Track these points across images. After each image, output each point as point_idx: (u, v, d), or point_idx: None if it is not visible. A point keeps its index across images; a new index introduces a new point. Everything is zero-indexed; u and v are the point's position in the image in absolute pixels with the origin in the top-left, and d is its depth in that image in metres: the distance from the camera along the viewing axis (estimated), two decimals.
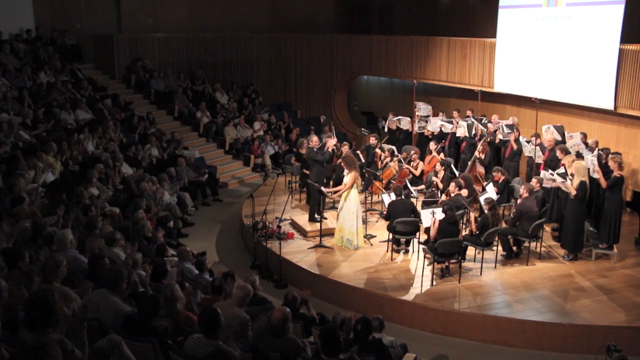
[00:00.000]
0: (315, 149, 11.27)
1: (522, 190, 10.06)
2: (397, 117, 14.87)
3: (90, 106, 14.41)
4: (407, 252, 10.19)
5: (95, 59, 17.28)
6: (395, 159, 12.71)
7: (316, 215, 11.13)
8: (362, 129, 17.56)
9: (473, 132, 12.94)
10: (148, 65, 17.27)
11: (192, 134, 16.52)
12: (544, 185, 10.30)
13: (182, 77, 17.64)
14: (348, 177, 10.22)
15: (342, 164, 10.45)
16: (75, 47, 16.76)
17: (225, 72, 18.73)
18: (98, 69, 17.07)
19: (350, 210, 10.23)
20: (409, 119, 14.69)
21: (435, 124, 14.01)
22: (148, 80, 17.00)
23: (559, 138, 11.93)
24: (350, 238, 10.30)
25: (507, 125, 12.82)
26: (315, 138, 11.49)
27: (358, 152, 13.79)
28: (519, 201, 10.19)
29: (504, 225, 10.27)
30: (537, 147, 11.56)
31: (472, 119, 13.40)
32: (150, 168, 13.25)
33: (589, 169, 9.96)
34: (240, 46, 18.77)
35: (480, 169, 12.03)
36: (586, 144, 11.64)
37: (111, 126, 13.72)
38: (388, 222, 10.07)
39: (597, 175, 9.98)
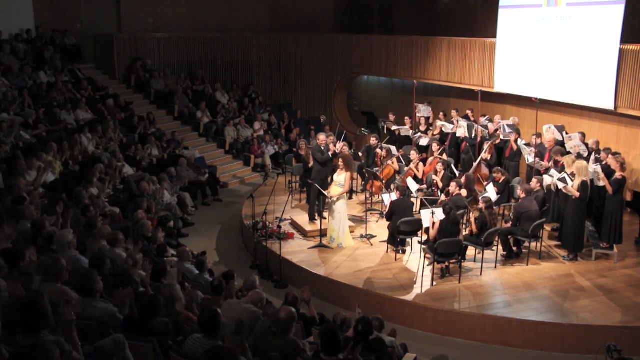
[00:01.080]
0: (322, 147, 11.25)
1: (519, 192, 10.07)
2: (395, 127, 14.76)
3: (90, 106, 14.41)
4: (404, 252, 10.20)
5: (96, 59, 17.29)
6: (393, 157, 12.71)
7: (316, 215, 11.15)
8: (362, 129, 17.55)
9: (473, 133, 12.92)
10: (148, 65, 17.27)
11: (193, 134, 16.52)
12: (545, 186, 10.30)
13: (182, 77, 17.63)
14: (342, 176, 10.24)
15: (341, 162, 10.41)
16: (76, 47, 16.76)
17: (225, 72, 18.73)
18: (98, 69, 17.08)
19: (338, 209, 10.27)
20: (408, 127, 14.65)
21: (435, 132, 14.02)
22: (148, 80, 17.00)
23: (560, 138, 11.92)
24: (334, 236, 10.35)
25: (508, 125, 12.81)
26: (322, 137, 11.46)
27: (359, 153, 13.80)
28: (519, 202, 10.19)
29: (503, 225, 10.27)
30: (537, 159, 11.49)
31: (472, 121, 13.40)
32: (151, 168, 13.25)
33: (592, 180, 9.92)
34: (241, 46, 18.77)
35: (485, 171, 12.00)
36: (586, 145, 11.64)
37: (111, 126, 13.72)
38: (389, 222, 10.07)
39: (603, 182, 9.95)
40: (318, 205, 11.29)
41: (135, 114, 15.31)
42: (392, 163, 12.61)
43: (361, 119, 20.03)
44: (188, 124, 16.68)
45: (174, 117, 16.70)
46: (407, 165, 12.87)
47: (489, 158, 12.26)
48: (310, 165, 11.64)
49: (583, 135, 11.86)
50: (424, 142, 13.84)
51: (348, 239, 10.49)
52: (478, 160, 12.07)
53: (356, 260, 9.97)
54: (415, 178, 12.40)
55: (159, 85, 16.96)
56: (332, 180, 11.17)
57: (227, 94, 18.07)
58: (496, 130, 12.99)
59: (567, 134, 12.11)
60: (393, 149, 13.09)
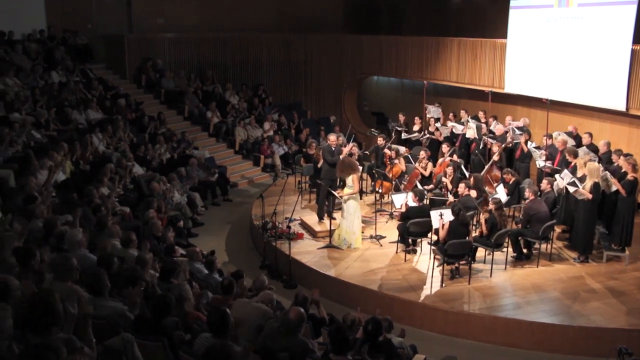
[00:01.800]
0: (332, 148, 11.25)
1: (527, 193, 10.01)
2: (406, 136, 14.69)
3: (100, 106, 14.48)
4: (415, 252, 10.18)
5: (106, 59, 17.38)
6: (400, 156, 12.68)
7: (325, 216, 11.16)
8: (372, 130, 17.55)
9: (482, 140, 12.84)
10: (158, 65, 17.33)
11: (202, 134, 16.57)
12: (556, 189, 10.23)
13: (192, 77, 17.68)
14: (349, 178, 10.26)
15: (338, 172, 10.48)
16: (86, 47, 16.84)
17: (235, 73, 18.77)
18: (109, 69, 17.16)
19: (349, 210, 10.26)
20: (416, 133, 14.61)
21: (446, 130, 13.96)
22: (158, 80, 17.06)
23: (573, 142, 11.80)
24: (347, 237, 10.34)
25: (517, 127, 12.74)
26: (332, 137, 11.46)
27: (367, 152, 13.80)
28: (527, 203, 10.13)
29: (513, 226, 10.23)
30: (548, 162, 11.41)
31: (484, 122, 13.36)
32: (161, 168, 13.30)
33: (603, 190, 9.85)
34: (250, 46, 18.81)
35: (497, 172, 11.95)
36: (594, 147, 11.52)
37: (122, 126, 13.79)
38: (401, 222, 10.05)
39: (616, 186, 9.87)
40: (327, 205, 11.30)
41: (145, 113, 15.37)
42: (399, 162, 12.59)
43: (371, 120, 20.02)
44: (198, 124, 16.74)
45: (184, 117, 16.76)
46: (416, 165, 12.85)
47: (497, 159, 12.22)
48: (319, 165, 11.66)
49: (590, 135, 11.73)
50: (458, 130, 13.64)
51: (358, 240, 10.48)
52: (490, 162, 12.02)
53: (366, 261, 9.96)
54: (422, 177, 12.38)
55: (169, 85, 17.02)
56: (341, 181, 11.20)
57: (237, 94, 18.11)
58: (506, 132, 12.91)
59: (575, 142, 11.99)
60: (402, 149, 13.07)
